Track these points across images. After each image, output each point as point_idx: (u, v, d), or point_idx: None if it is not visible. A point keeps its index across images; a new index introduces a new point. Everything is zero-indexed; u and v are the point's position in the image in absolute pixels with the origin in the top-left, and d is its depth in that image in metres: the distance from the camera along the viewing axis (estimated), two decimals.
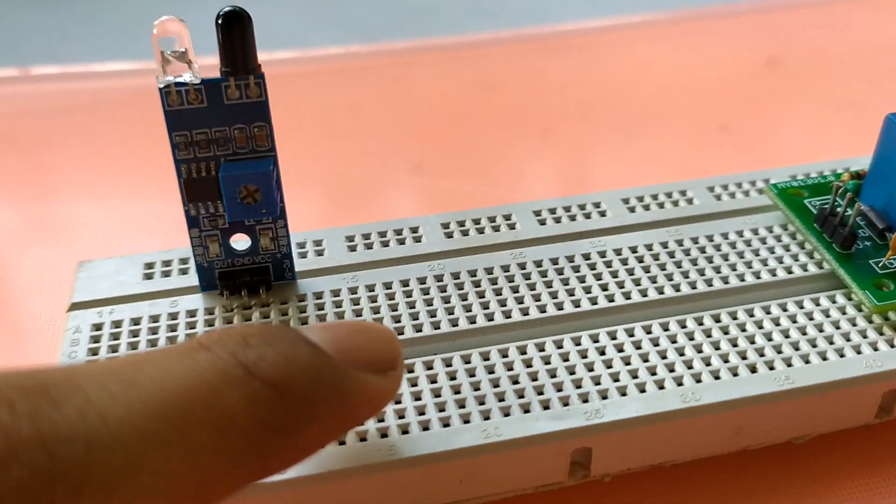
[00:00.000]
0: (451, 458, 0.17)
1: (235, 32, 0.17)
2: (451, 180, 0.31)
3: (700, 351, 0.19)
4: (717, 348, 0.19)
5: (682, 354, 0.19)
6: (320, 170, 0.32)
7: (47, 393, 0.11)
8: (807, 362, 0.19)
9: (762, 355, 0.19)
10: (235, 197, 0.19)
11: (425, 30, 0.97)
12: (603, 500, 0.19)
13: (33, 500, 0.10)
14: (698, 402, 0.18)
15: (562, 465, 0.18)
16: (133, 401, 0.11)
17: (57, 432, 0.11)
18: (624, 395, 0.18)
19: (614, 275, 0.21)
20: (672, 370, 0.18)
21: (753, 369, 0.18)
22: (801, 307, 0.20)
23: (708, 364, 0.19)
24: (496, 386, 0.18)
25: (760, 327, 0.19)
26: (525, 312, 0.20)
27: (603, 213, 0.23)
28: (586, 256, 0.21)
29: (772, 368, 0.18)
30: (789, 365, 0.19)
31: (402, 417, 0.17)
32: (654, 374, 0.18)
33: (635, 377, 0.18)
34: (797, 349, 0.19)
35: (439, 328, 0.19)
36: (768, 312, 0.20)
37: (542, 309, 0.20)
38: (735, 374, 0.18)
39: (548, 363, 0.19)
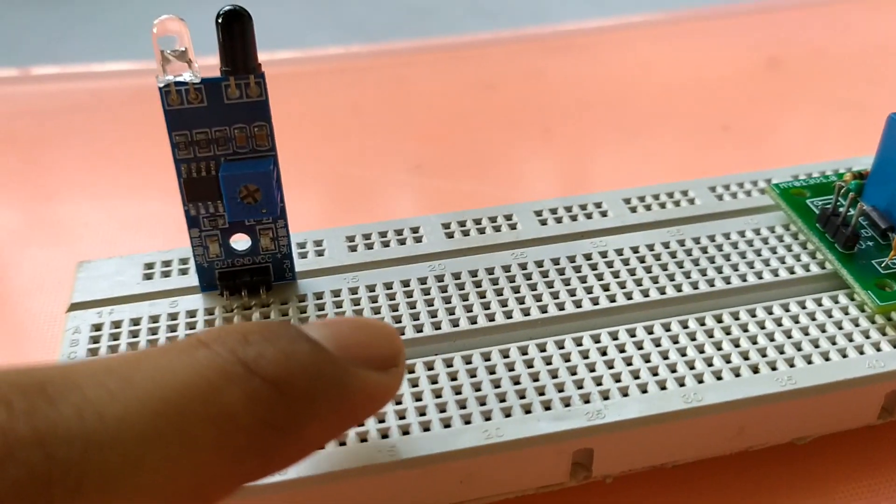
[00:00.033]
0: (452, 458, 0.17)
1: (235, 31, 0.17)
2: (452, 180, 0.31)
3: (702, 351, 0.19)
4: (720, 349, 0.19)
5: (684, 355, 0.19)
6: (320, 170, 0.32)
7: (44, 391, 0.11)
8: (809, 363, 0.19)
9: (764, 356, 0.19)
10: (235, 197, 0.18)
11: (425, 30, 0.97)
12: (604, 501, 0.19)
13: (31, 500, 0.10)
14: (700, 403, 0.17)
15: (563, 466, 0.17)
16: (131, 399, 0.11)
17: (54, 431, 0.10)
18: (626, 395, 0.18)
19: (616, 275, 0.21)
20: (674, 370, 0.18)
21: (756, 370, 0.18)
22: (804, 307, 0.20)
23: (710, 364, 0.18)
24: (497, 386, 0.18)
25: (763, 328, 0.19)
26: (526, 313, 0.20)
27: (604, 213, 0.23)
28: (588, 256, 0.21)
29: (774, 369, 0.18)
30: (792, 365, 0.18)
31: (402, 418, 0.17)
32: (655, 374, 0.18)
33: (637, 377, 0.18)
34: (800, 350, 0.19)
35: (440, 328, 0.19)
36: (771, 313, 0.20)
37: (544, 309, 0.20)
38: (737, 375, 0.18)
39: (549, 363, 0.18)
